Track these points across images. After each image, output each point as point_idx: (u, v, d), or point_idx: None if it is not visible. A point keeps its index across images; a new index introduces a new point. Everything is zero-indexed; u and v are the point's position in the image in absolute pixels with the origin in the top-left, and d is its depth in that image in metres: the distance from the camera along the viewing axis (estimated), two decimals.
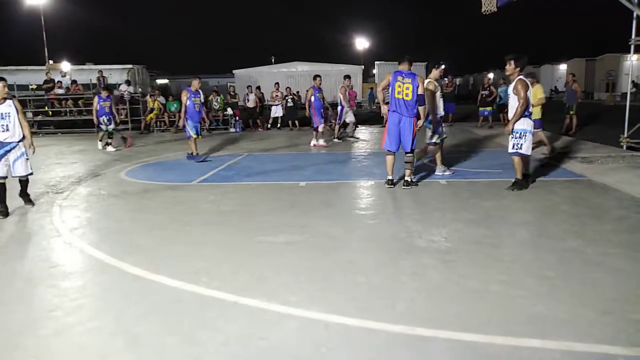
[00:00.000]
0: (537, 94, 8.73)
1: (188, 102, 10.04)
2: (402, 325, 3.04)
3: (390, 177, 7.09)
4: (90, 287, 3.83)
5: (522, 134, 6.48)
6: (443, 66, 7.75)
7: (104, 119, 12.46)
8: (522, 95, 6.32)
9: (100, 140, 12.89)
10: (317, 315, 3.21)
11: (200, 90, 10.31)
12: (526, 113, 6.45)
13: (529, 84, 6.53)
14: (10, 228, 5.50)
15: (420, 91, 6.73)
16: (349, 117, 13.49)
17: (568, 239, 4.62)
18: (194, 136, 10.25)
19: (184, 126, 10.50)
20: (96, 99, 12.56)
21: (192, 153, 10.36)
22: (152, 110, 17.97)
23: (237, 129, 17.66)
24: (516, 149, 6.54)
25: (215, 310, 3.33)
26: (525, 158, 6.68)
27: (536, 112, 8.84)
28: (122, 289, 3.75)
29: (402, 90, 6.74)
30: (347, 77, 13.58)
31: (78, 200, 6.85)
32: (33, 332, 3.11)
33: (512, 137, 6.54)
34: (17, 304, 3.53)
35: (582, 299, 3.34)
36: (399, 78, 6.77)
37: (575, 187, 6.93)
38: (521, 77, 6.44)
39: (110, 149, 12.54)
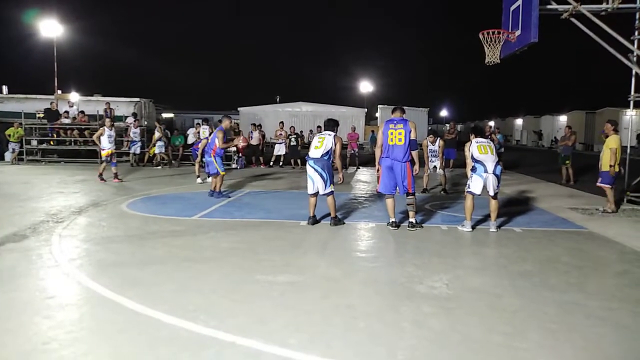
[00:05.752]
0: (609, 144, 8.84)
1: (223, 141, 10.28)
2: None
3: (392, 219, 7.14)
4: (86, 320, 3.77)
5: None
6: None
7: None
8: None
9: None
10: None
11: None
12: None
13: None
14: (8, 256, 5.45)
15: (412, 136, 6.86)
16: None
17: (570, 291, 4.59)
18: (222, 173, 10.34)
19: (201, 162, 11.15)
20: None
21: (215, 190, 10.17)
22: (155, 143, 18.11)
23: (240, 165, 17.77)
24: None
25: (212, 349, 3.27)
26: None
27: (604, 165, 8.92)
28: (119, 323, 3.69)
29: (395, 136, 6.89)
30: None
31: (78, 231, 6.83)
32: None
33: None
34: (11, 335, 3.47)
35: (585, 355, 3.29)
36: (391, 126, 6.99)
37: (576, 238, 6.92)
38: None
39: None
